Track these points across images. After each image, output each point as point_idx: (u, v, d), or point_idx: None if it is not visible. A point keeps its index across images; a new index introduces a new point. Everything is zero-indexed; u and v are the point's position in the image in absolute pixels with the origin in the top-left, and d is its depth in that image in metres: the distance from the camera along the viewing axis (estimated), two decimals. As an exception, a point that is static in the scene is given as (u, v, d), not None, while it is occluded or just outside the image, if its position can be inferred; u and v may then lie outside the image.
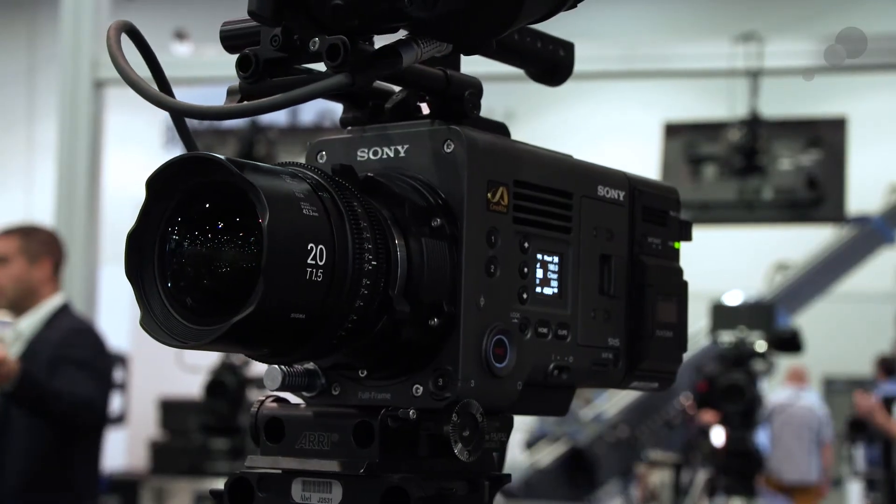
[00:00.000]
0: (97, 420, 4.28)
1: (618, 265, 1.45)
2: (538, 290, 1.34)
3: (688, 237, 1.56)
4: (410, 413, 1.24)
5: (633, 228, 1.47)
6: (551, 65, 1.50)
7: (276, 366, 1.27)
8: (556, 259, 1.37)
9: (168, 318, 1.18)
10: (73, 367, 4.19)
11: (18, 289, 4.36)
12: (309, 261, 1.15)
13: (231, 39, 1.33)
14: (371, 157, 1.33)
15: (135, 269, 1.19)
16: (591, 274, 1.41)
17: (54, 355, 4.22)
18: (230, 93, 1.31)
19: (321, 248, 1.16)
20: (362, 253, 1.20)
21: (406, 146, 1.31)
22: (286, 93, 1.21)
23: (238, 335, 1.13)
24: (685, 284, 1.55)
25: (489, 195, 1.29)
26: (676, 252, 1.54)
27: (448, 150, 1.28)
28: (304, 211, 1.17)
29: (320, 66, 1.27)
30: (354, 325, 1.21)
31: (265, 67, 1.29)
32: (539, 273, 1.35)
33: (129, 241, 1.18)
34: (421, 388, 1.27)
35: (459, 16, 1.21)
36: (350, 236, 1.19)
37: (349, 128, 1.37)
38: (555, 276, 1.37)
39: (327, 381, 1.31)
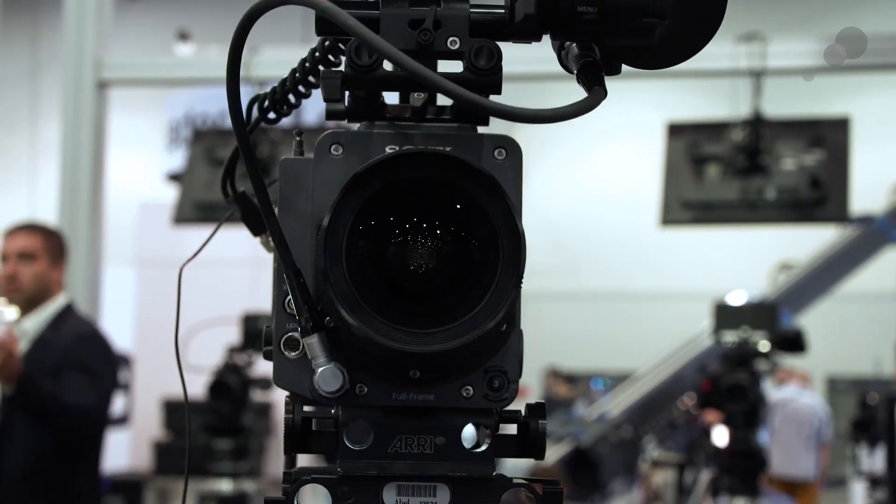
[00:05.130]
0: (93, 429, 4.29)
1: None
2: None
3: None
4: (523, 413, 1.28)
5: None
6: None
7: (334, 365, 1.23)
8: None
9: (378, 321, 1.15)
10: (77, 373, 4.19)
11: (37, 287, 4.37)
12: None
13: (331, 24, 1.26)
14: None
15: (327, 266, 1.15)
16: None
17: (60, 362, 4.22)
18: (326, 77, 1.27)
19: None
20: None
21: (448, 148, 1.27)
22: (571, 105, 1.18)
23: (478, 340, 1.13)
24: None
25: None
26: None
27: (500, 158, 1.27)
28: None
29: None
30: None
31: (380, 58, 1.25)
32: None
33: (324, 238, 1.14)
34: (472, 390, 1.26)
35: (668, 38, 1.23)
36: None
37: (364, 122, 1.31)
38: None
39: (351, 381, 1.27)
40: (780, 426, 10.18)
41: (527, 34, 1.23)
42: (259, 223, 1.62)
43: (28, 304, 4.40)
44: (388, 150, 1.27)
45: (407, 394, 1.26)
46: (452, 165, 1.14)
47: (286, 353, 1.27)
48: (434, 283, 1.16)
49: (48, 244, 4.40)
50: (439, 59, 1.26)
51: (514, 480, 1.27)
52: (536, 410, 1.29)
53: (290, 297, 1.26)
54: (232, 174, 1.58)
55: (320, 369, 1.23)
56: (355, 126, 1.32)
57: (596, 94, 1.20)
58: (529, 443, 1.28)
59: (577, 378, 14.45)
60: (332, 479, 1.25)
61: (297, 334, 1.26)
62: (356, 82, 1.25)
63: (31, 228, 4.46)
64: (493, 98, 1.22)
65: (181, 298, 1.58)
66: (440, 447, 1.25)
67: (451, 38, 1.24)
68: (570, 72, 1.26)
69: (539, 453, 1.27)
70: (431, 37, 1.23)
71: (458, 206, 1.15)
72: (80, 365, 4.21)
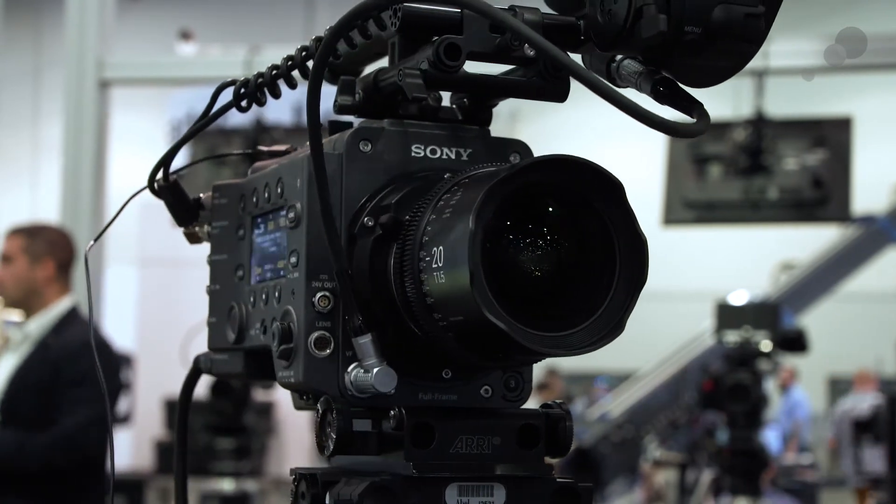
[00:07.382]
0: (86, 453, 4.21)
1: None
2: None
3: None
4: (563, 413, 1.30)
5: None
6: None
7: (389, 366, 1.23)
8: None
9: (514, 324, 1.13)
10: (75, 388, 4.16)
11: (20, 288, 4.36)
12: None
13: (419, 24, 1.26)
14: (428, 154, 1.30)
15: (472, 267, 1.13)
16: None
17: (57, 371, 4.21)
18: (408, 75, 1.26)
19: None
20: None
21: (470, 150, 1.30)
22: (698, 122, 1.19)
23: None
24: None
25: None
26: None
27: (515, 162, 1.29)
28: None
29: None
30: None
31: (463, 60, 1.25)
32: None
33: (470, 238, 1.12)
34: (491, 390, 1.30)
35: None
36: None
37: (389, 119, 1.31)
38: None
39: None
40: (847, 437, 10.14)
41: (653, 49, 1.21)
42: (186, 214, 1.60)
43: (18, 306, 4.43)
44: (414, 148, 1.29)
45: (432, 394, 1.28)
46: (587, 172, 1.15)
47: (317, 352, 1.26)
48: (551, 286, 1.16)
49: (28, 244, 4.39)
50: (513, 63, 1.28)
51: (559, 480, 1.28)
52: (565, 411, 1.32)
53: (320, 294, 1.25)
54: (169, 163, 1.59)
55: (375, 370, 1.22)
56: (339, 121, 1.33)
57: (703, 109, 1.21)
58: (557, 442, 1.29)
59: (548, 382, 14.38)
60: (398, 480, 1.24)
61: (328, 333, 1.25)
62: (439, 82, 1.26)
63: (16, 231, 4.47)
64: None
65: (91, 286, 1.57)
66: (497, 447, 1.26)
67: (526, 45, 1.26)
68: (618, 85, 1.25)
69: (564, 452, 1.30)
70: (503, 41, 1.25)
71: (579, 211, 1.16)
72: (77, 379, 4.18)
